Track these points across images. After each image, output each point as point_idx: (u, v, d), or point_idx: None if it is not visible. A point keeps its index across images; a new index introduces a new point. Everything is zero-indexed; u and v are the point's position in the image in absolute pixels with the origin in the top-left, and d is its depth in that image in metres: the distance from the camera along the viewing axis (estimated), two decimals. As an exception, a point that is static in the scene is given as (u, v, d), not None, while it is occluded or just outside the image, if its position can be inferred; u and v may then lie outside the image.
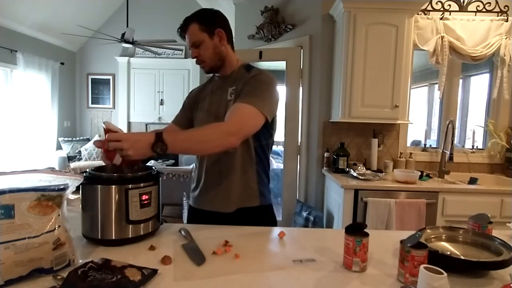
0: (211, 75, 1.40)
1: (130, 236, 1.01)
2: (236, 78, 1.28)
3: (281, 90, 2.85)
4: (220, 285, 0.80)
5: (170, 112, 6.08)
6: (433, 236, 1.04)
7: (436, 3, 2.70)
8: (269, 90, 1.20)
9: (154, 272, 0.81)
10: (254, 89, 1.18)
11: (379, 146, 2.73)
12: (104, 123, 1.06)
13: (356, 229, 0.90)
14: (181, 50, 6.03)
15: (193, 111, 1.39)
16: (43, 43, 5.53)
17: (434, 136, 3.10)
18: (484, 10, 2.70)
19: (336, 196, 2.46)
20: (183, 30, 1.24)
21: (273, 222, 1.35)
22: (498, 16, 2.67)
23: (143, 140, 0.98)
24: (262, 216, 1.32)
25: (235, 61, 1.32)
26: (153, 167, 1.13)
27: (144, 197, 1.02)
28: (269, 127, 1.24)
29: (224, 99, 1.27)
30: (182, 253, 0.97)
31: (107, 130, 1.04)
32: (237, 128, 1.10)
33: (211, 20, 1.23)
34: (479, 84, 2.99)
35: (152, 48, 5.41)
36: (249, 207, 1.29)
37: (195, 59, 1.26)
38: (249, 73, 1.26)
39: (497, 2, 2.68)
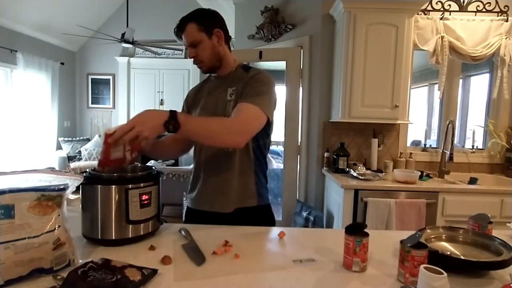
0: (207, 75, 1.40)
1: (130, 236, 1.01)
2: (235, 78, 1.28)
3: (281, 90, 2.86)
4: (220, 285, 0.80)
5: (170, 112, 6.06)
6: (433, 236, 1.04)
7: (436, 3, 2.70)
8: (269, 90, 1.21)
9: (154, 272, 0.81)
10: (256, 89, 1.19)
11: (379, 146, 2.73)
12: (106, 129, 1.01)
13: (356, 229, 0.90)
14: (181, 50, 6.03)
15: (191, 112, 1.38)
16: (43, 43, 5.53)
17: (434, 136, 3.10)
18: (484, 10, 2.69)
19: (336, 196, 2.46)
20: (180, 29, 1.23)
21: (272, 222, 1.35)
22: (498, 16, 2.67)
23: (154, 116, 0.97)
24: (261, 216, 1.32)
25: (232, 61, 1.32)
26: (153, 167, 1.13)
27: (144, 197, 1.02)
28: (266, 127, 1.24)
29: (223, 99, 1.27)
30: (182, 253, 0.97)
31: (107, 136, 0.98)
32: (244, 128, 1.11)
33: (209, 20, 1.23)
34: (479, 84, 2.99)
35: (152, 48, 5.41)
36: (248, 207, 1.29)
37: (192, 59, 1.26)
38: (247, 73, 1.26)
39: (497, 2, 2.68)
